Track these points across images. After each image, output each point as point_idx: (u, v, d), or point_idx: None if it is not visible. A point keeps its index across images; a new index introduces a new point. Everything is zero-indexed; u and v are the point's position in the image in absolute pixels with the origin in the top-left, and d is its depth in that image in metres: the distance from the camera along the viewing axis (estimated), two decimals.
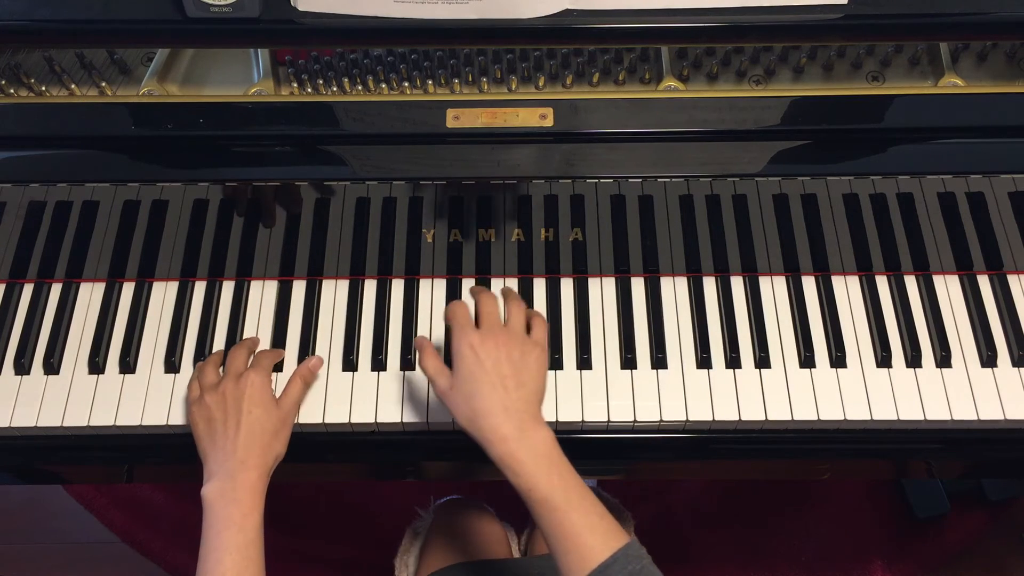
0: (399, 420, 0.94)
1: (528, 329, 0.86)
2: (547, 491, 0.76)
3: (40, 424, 0.94)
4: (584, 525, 0.75)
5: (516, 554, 1.17)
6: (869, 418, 0.93)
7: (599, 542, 0.74)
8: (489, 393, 0.79)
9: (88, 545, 1.70)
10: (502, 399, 0.79)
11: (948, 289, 1.01)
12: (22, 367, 0.97)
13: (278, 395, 0.91)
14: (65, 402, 0.95)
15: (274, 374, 0.96)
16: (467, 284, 1.01)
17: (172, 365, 0.97)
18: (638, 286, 1.01)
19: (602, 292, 1.01)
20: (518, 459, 0.77)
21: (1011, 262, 1.00)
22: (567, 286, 1.01)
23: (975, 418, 0.93)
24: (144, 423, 0.94)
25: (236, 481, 0.82)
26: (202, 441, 0.86)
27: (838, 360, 0.96)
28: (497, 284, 1.01)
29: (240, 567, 0.79)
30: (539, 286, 1.01)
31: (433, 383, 0.84)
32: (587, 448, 0.96)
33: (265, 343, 0.98)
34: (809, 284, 1.01)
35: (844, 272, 1.01)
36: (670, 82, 0.96)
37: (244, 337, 0.99)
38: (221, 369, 0.93)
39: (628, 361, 0.96)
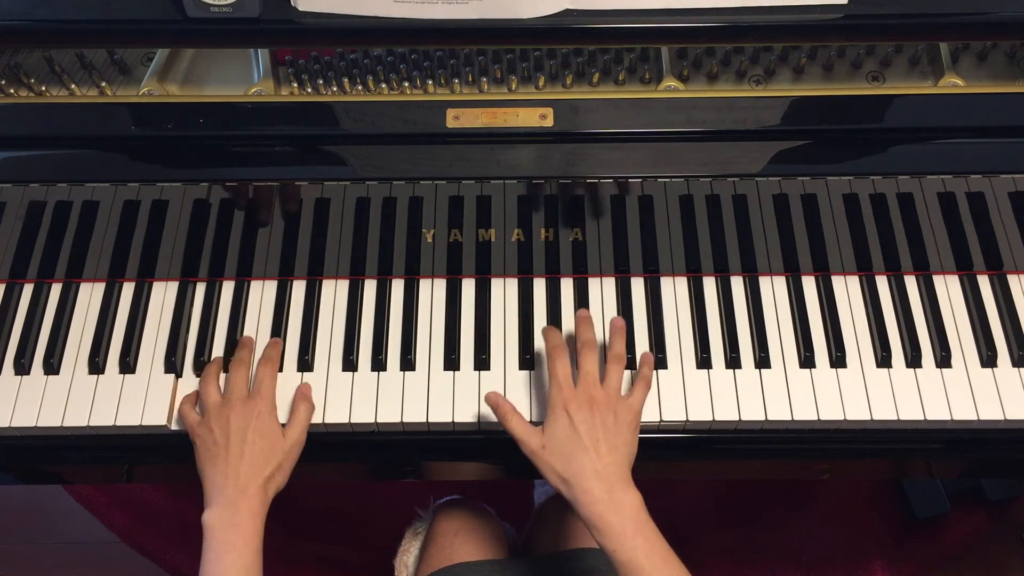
0: (399, 420, 0.94)
1: (633, 389, 0.88)
2: (631, 553, 0.78)
3: (40, 424, 0.94)
4: None
5: (516, 554, 1.17)
6: (869, 418, 0.93)
7: None
8: (581, 457, 0.81)
9: (88, 545, 1.70)
10: (594, 463, 0.81)
11: (948, 289, 1.01)
12: (22, 367, 0.97)
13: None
14: (65, 402, 0.95)
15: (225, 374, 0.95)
16: (467, 284, 1.01)
17: (172, 365, 0.97)
18: (638, 286, 1.01)
19: (602, 292, 1.01)
20: (605, 520, 0.79)
21: (1011, 262, 1.00)
22: (567, 286, 1.01)
23: (975, 418, 0.93)
24: (144, 423, 0.94)
25: (237, 508, 0.83)
26: (203, 465, 0.86)
27: (838, 360, 0.96)
28: (497, 284, 1.01)
29: None
30: (539, 286, 1.01)
31: (523, 444, 0.85)
32: None
33: (265, 343, 0.98)
34: (809, 284, 1.01)
35: (844, 272, 1.01)
36: (670, 82, 0.96)
37: (243, 335, 0.99)
38: (222, 380, 0.93)
39: (628, 361, 0.96)
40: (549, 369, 0.87)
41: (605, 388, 0.86)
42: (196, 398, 0.93)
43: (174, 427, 0.94)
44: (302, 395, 0.93)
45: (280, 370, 0.97)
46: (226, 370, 0.96)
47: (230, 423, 0.86)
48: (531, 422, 0.88)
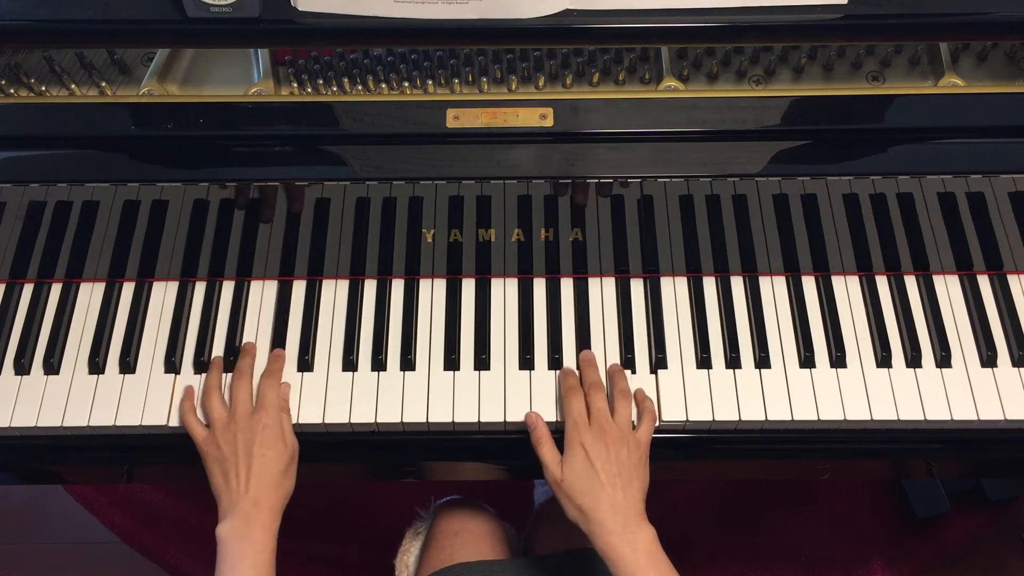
0: (399, 420, 0.94)
1: (640, 422, 0.91)
2: None
3: (40, 424, 0.94)
4: None
5: (516, 554, 1.17)
6: (869, 418, 0.93)
7: None
8: (598, 492, 0.85)
9: (88, 545, 1.70)
10: (610, 498, 0.84)
11: (948, 289, 1.01)
12: (22, 367, 0.97)
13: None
14: (65, 402, 0.95)
15: (225, 373, 0.96)
16: (467, 284, 1.01)
17: (172, 365, 0.97)
18: (638, 286, 1.01)
19: (602, 292, 1.01)
20: (619, 552, 0.82)
21: (1011, 262, 1.00)
22: (567, 286, 1.01)
23: (975, 418, 0.93)
24: (144, 423, 0.94)
25: (250, 521, 0.84)
26: (215, 480, 0.88)
27: (838, 360, 0.96)
28: (497, 284, 1.01)
29: None
30: (539, 286, 1.01)
31: (546, 472, 0.89)
32: None
33: (265, 343, 0.98)
34: (809, 284, 1.01)
35: (844, 272, 1.01)
36: (670, 82, 0.96)
37: (244, 340, 0.99)
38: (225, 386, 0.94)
39: (628, 361, 0.96)
40: (564, 407, 0.91)
41: (616, 423, 0.89)
42: (195, 406, 0.94)
43: (172, 423, 0.94)
44: (286, 405, 0.94)
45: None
46: (227, 370, 0.96)
47: (237, 439, 0.88)
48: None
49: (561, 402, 0.92)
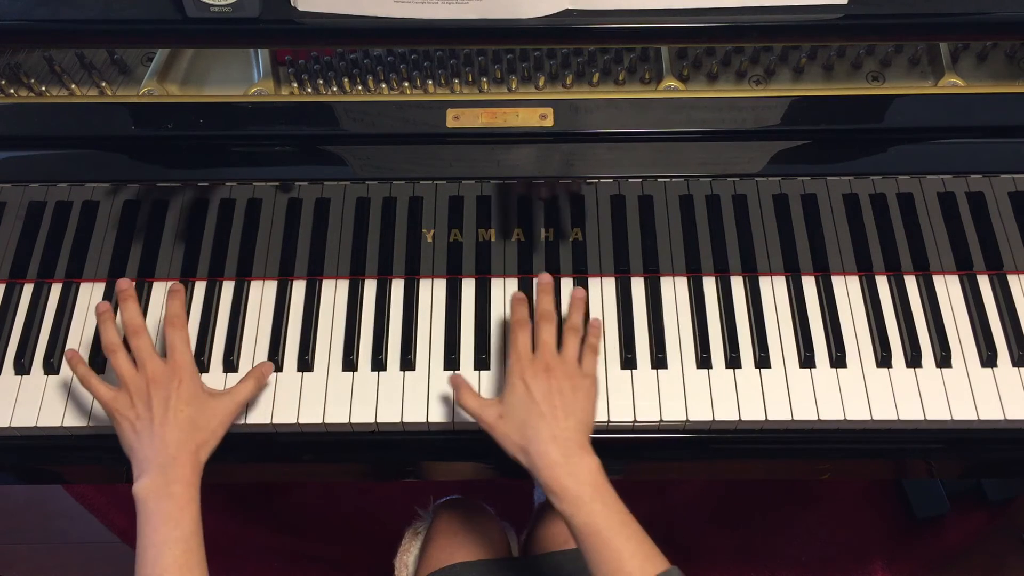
0: (399, 420, 0.94)
1: (582, 357, 0.89)
2: (588, 516, 0.78)
3: (40, 424, 0.94)
4: (624, 550, 0.77)
5: (515, 554, 1.17)
6: (869, 418, 0.93)
7: (639, 567, 0.76)
8: (538, 423, 0.82)
9: (88, 545, 1.70)
10: (551, 428, 0.82)
11: (948, 289, 1.01)
12: (22, 367, 0.97)
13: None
14: (65, 402, 0.95)
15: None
16: (467, 284, 1.01)
17: None
18: (638, 286, 1.01)
19: (602, 292, 1.01)
20: (562, 484, 0.79)
21: (1011, 262, 1.00)
22: (567, 286, 1.01)
23: (975, 418, 0.93)
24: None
25: (168, 477, 0.80)
26: (127, 438, 0.84)
27: (838, 360, 0.96)
28: (497, 284, 1.01)
29: (180, 562, 0.78)
30: None
31: (478, 419, 0.86)
32: None
33: (265, 343, 0.98)
34: (809, 284, 1.01)
35: (844, 272, 1.01)
36: (670, 82, 0.96)
37: (244, 337, 0.99)
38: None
39: (628, 361, 0.97)
40: (510, 339, 0.88)
41: (562, 357, 0.87)
42: (88, 367, 0.89)
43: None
44: (259, 372, 0.92)
45: (280, 370, 0.97)
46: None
47: (152, 395, 0.84)
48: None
49: (508, 333, 0.89)
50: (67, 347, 0.97)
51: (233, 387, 0.90)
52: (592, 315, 0.99)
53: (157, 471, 0.81)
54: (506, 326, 0.99)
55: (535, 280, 0.93)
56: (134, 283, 0.93)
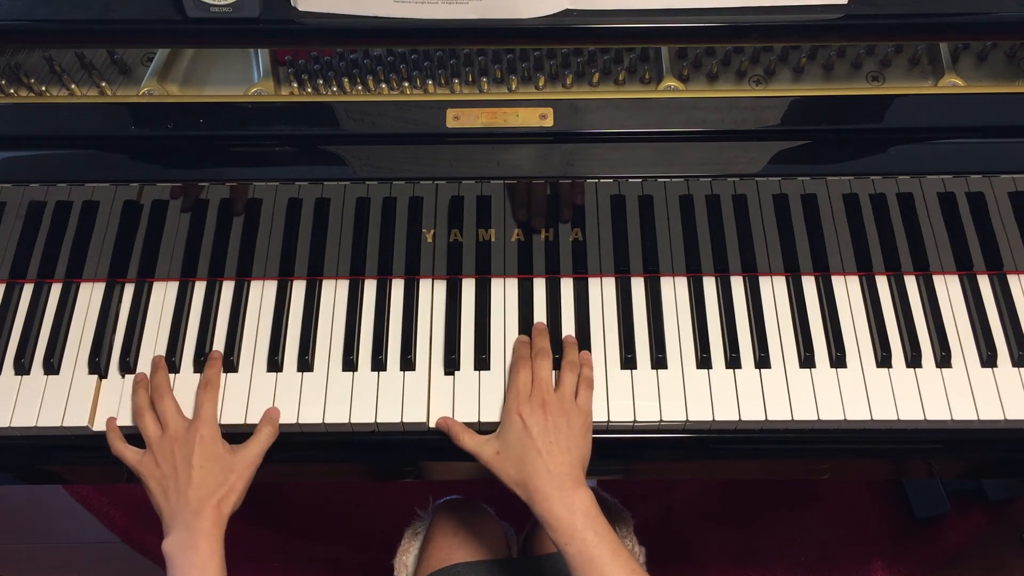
0: (399, 420, 0.94)
1: (577, 391, 0.92)
2: (581, 545, 0.81)
3: (40, 424, 0.94)
4: None
5: (515, 554, 1.17)
6: (869, 418, 0.93)
7: None
8: (535, 459, 0.85)
9: (88, 545, 1.70)
10: (546, 463, 0.85)
11: (948, 289, 1.01)
12: (22, 367, 0.97)
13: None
14: (65, 402, 0.95)
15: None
16: (467, 284, 1.01)
17: (173, 365, 0.97)
18: (638, 286, 1.01)
19: (602, 292, 1.01)
20: (556, 516, 0.83)
21: (1011, 262, 1.00)
22: (567, 286, 1.01)
23: (975, 418, 0.93)
24: None
25: (192, 531, 0.84)
26: (156, 499, 0.88)
27: (838, 360, 0.96)
28: (497, 284, 1.01)
29: None
30: (539, 286, 1.01)
31: (478, 456, 0.90)
32: None
33: (265, 343, 0.98)
34: (809, 284, 1.01)
35: (844, 272, 1.01)
36: (670, 82, 0.96)
37: (244, 337, 0.99)
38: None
39: (628, 361, 0.96)
40: (510, 377, 0.92)
41: (559, 393, 0.90)
42: (119, 432, 0.93)
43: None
44: (268, 418, 0.93)
45: (280, 370, 0.97)
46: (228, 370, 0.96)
47: (174, 453, 0.88)
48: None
49: (508, 371, 0.93)
50: (103, 416, 0.96)
51: (249, 441, 0.91)
52: (593, 315, 0.99)
53: (182, 528, 0.84)
54: (506, 326, 0.99)
55: (534, 327, 0.97)
56: (163, 356, 0.97)
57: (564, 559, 0.83)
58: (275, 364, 0.97)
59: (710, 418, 0.94)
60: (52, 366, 0.97)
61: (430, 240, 0.98)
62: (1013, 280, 1.01)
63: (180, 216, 0.95)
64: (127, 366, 0.97)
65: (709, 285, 1.01)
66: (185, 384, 0.96)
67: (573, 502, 0.83)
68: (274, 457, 0.96)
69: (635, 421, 0.94)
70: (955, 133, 0.91)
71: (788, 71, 0.99)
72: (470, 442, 0.91)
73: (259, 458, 0.91)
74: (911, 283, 1.01)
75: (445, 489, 1.34)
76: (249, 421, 0.94)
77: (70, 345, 0.99)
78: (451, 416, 0.94)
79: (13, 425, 0.95)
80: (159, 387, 0.93)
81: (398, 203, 0.94)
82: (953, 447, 0.96)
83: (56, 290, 1.02)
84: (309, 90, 0.98)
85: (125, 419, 0.94)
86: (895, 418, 0.93)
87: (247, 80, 0.99)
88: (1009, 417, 0.93)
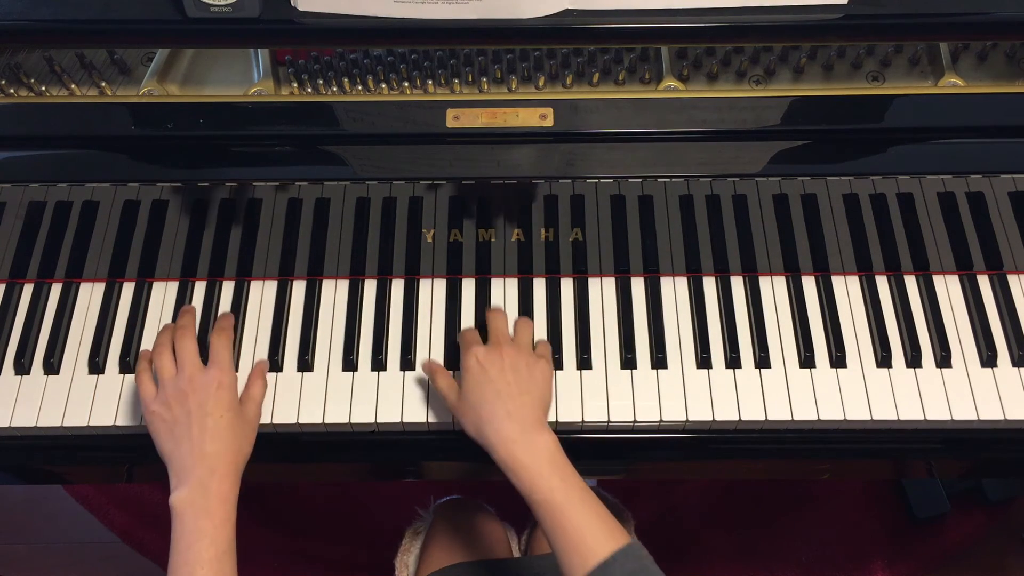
0: (399, 420, 0.94)
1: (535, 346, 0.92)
2: (547, 492, 0.78)
3: (40, 424, 0.94)
4: (584, 525, 0.76)
5: (516, 554, 1.17)
6: (869, 418, 0.93)
7: (599, 542, 0.75)
8: (493, 400, 0.83)
9: (88, 545, 1.70)
10: (506, 405, 0.83)
11: (948, 289, 1.01)
12: (22, 367, 0.97)
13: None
14: (65, 402, 0.95)
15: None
16: (467, 284, 1.01)
17: None
18: (638, 286, 1.01)
19: (602, 292, 1.01)
20: (520, 461, 0.79)
21: (1011, 262, 1.00)
22: (567, 286, 1.01)
23: (975, 418, 0.93)
24: (144, 423, 0.94)
25: (208, 491, 0.79)
26: (165, 444, 0.82)
27: (838, 360, 0.96)
28: (497, 284, 1.01)
29: None
30: (539, 286, 1.01)
31: (445, 400, 0.89)
32: (587, 448, 0.96)
33: (265, 343, 0.98)
34: (809, 284, 1.01)
35: (844, 272, 1.01)
36: (670, 82, 0.96)
37: (244, 337, 0.99)
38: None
39: (628, 361, 0.97)
40: (462, 341, 0.91)
41: (516, 341, 0.90)
42: (149, 366, 0.88)
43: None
44: (259, 371, 0.92)
45: (280, 370, 0.97)
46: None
47: (188, 398, 0.82)
48: None
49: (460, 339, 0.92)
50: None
51: (247, 389, 0.90)
52: (593, 315, 0.99)
53: (197, 485, 0.79)
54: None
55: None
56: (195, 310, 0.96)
57: (530, 507, 0.79)
58: (275, 364, 0.97)
59: (710, 418, 0.94)
60: (52, 366, 0.97)
61: (430, 240, 0.98)
62: (1013, 280, 1.01)
63: (180, 216, 0.95)
64: (127, 366, 0.97)
65: (709, 285, 1.01)
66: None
67: (536, 446, 0.80)
68: (274, 457, 0.96)
69: (635, 421, 0.94)
70: (955, 133, 0.91)
71: (788, 71, 0.99)
72: (442, 383, 0.89)
73: (261, 406, 0.90)
74: (911, 283, 1.01)
75: (445, 489, 1.34)
76: None
77: (70, 345, 0.99)
78: (452, 422, 0.94)
79: (13, 425, 0.95)
80: (184, 327, 0.89)
81: (398, 203, 0.94)
82: (953, 447, 0.96)
83: (56, 290, 1.02)
84: (309, 90, 0.98)
85: (125, 418, 0.94)
86: (895, 418, 0.93)
87: (247, 80, 0.99)
88: (1009, 417, 0.93)
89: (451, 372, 0.93)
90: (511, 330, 0.95)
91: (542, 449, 0.80)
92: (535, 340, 0.94)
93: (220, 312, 0.96)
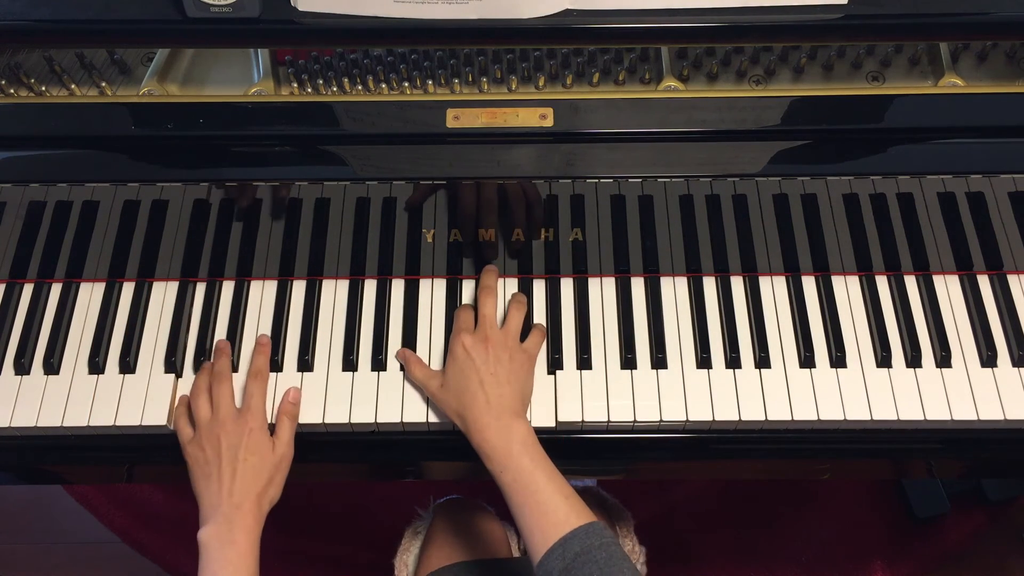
0: (399, 420, 0.94)
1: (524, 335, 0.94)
2: (516, 473, 0.81)
3: (40, 424, 0.94)
4: (550, 502, 0.79)
5: (516, 553, 1.17)
6: (869, 418, 0.93)
7: (562, 518, 0.78)
8: (476, 390, 0.87)
9: (88, 545, 1.70)
10: (486, 394, 0.86)
11: (948, 289, 1.01)
12: (22, 367, 0.97)
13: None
14: (65, 402, 0.95)
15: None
16: (467, 284, 1.01)
17: (172, 365, 0.97)
18: (638, 286, 1.01)
19: (602, 292, 1.01)
20: (491, 443, 0.83)
21: (1011, 262, 1.00)
22: (567, 286, 1.01)
23: (975, 418, 0.93)
24: (144, 423, 0.94)
25: (232, 524, 0.83)
26: (197, 483, 0.88)
27: (838, 360, 0.96)
28: (497, 284, 1.01)
29: None
30: (539, 286, 1.01)
31: (425, 388, 0.93)
32: (587, 448, 0.96)
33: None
34: (809, 284, 1.01)
35: (844, 272, 1.01)
36: (670, 82, 0.96)
37: (244, 338, 0.99)
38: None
39: (628, 361, 0.97)
40: (454, 319, 0.94)
41: (503, 330, 0.92)
42: (186, 410, 0.93)
43: (172, 427, 0.94)
44: (287, 407, 0.93)
45: (280, 370, 0.97)
46: (234, 370, 0.96)
47: (221, 441, 0.87)
48: None
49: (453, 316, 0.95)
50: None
51: (276, 432, 0.91)
52: (593, 315, 0.99)
53: (223, 520, 0.84)
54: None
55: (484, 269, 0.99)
56: (230, 346, 0.98)
57: (501, 490, 0.82)
58: (275, 364, 0.97)
59: (710, 418, 0.94)
60: (52, 366, 0.97)
61: (430, 240, 0.98)
62: (1013, 280, 1.01)
63: (180, 216, 0.95)
64: (127, 366, 0.97)
65: (709, 285, 1.01)
66: (185, 385, 0.96)
67: (510, 431, 0.84)
68: None
69: (635, 421, 0.94)
70: (955, 133, 0.91)
71: (788, 71, 0.99)
72: (419, 373, 0.92)
73: (291, 448, 0.91)
74: (911, 283, 1.01)
75: (446, 489, 1.34)
76: None
77: (70, 345, 0.99)
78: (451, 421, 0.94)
79: (13, 425, 0.95)
80: (220, 372, 0.93)
81: (398, 203, 0.94)
82: (953, 447, 0.96)
83: (56, 290, 1.02)
84: (309, 90, 0.98)
85: (125, 419, 0.94)
86: (895, 418, 0.93)
87: (247, 80, 0.99)
88: (1009, 417, 0.93)
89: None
90: (504, 309, 0.97)
91: (514, 433, 0.84)
92: (533, 324, 0.95)
93: (259, 342, 0.97)
